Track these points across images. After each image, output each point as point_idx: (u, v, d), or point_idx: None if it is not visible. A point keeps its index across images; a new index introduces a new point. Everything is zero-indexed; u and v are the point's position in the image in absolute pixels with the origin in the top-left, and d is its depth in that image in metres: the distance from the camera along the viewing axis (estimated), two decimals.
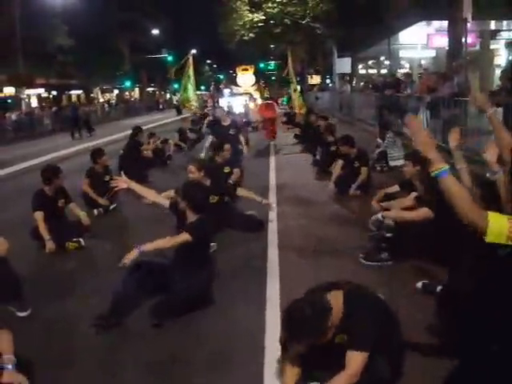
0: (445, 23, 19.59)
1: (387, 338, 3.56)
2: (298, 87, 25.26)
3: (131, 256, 5.02)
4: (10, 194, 12.61)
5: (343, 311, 3.56)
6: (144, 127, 16.67)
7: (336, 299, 3.58)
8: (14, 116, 35.25)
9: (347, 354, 3.42)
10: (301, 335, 3.43)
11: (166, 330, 5.01)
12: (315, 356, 3.69)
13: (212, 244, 6.96)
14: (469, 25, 15.88)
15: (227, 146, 10.09)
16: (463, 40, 15.28)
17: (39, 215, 7.66)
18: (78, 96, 61.92)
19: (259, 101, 38.09)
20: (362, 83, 36.25)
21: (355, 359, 3.39)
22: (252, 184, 11.42)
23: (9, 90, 42.94)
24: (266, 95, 48.54)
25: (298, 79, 59.37)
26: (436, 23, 24.32)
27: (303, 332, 3.40)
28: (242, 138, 12.68)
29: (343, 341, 3.59)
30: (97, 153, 10.50)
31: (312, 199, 10.33)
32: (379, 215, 6.56)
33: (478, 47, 23.30)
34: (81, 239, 7.85)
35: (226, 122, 12.64)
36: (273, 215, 8.99)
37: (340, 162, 10.53)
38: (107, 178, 10.30)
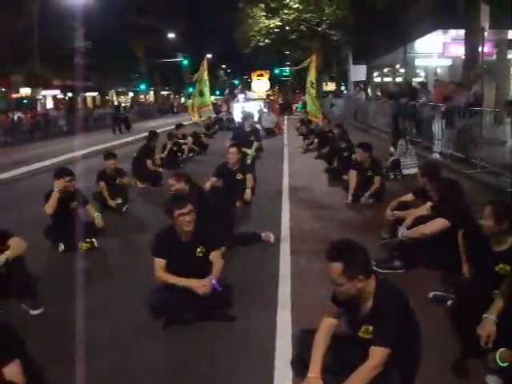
0: (461, 32, 19.52)
1: (407, 346, 3.54)
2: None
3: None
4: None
5: (373, 299, 3.59)
6: (158, 130, 16.77)
7: (370, 282, 3.61)
8: (16, 117, 35.12)
9: (370, 348, 3.43)
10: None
11: (177, 334, 5.02)
12: (340, 355, 3.80)
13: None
14: (486, 34, 15.81)
15: (232, 149, 10.02)
16: (480, 49, 15.20)
17: (48, 206, 7.69)
18: (94, 98, 62.29)
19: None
20: (377, 91, 36.18)
21: (377, 353, 3.40)
22: (265, 188, 11.47)
23: (25, 91, 43.27)
24: (280, 101, 48.60)
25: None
26: (452, 32, 24.23)
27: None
28: (254, 145, 12.62)
29: (368, 335, 3.60)
30: (109, 154, 10.65)
31: (325, 205, 10.33)
32: (399, 234, 6.52)
33: (494, 57, 23.18)
34: (94, 240, 7.89)
35: (248, 128, 12.65)
36: (286, 221, 9.03)
37: (354, 173, 10.39)
38: (118, 180, 10.44)
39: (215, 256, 5.45)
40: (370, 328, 3.59)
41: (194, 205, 5.38)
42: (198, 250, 5.38)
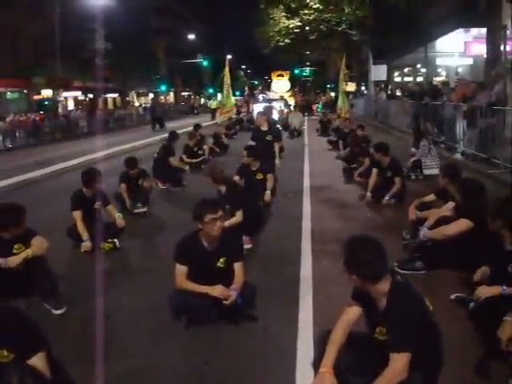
0: (483, 30, 19.32)
1: (426, 347, 3.50)
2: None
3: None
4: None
5: (387, 300, 3.56)
6: (179, 131, 16.85)
7: (385, 281, 3.59)
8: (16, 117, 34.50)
9: (390, 355, 3.39)
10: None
11: (198, 334, 5.04)
12: (356, 357, 3.80)
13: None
14: (508, 32, 15.64)
15: (244, 153, 10.11)
16: (502, 48, 15.02)
17: (77, 215, 7.79)
18: (114, 99, 62.70)
19: (292, 107, 38.32)
20: (397, 90, 35.96)
21: (397, 359, 3.36)
22: (287, 188, 11.49)
23: (47, 93, 43.66)
24: (299, 102, 48.53)
25: (333, 86, 59.38)
26: (474, 30, 24.00)
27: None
28: (276, 146, 12.48)
29: (383, 336, 3.59)
30: (131, 161, 10.63)
31: (346, 205, 10.31)
32: (421, 235, 6.48)
33: None
34: (116, 240, 7.95)
35: (265, 128, 12.57)
36: (307, 221, 9.03)
37: (375, 171, 10.48)
38: (140, 181, 10.48)
39: (239, 268, 5.28)
40: (384, 330, 3.59)
41: (224, 211, 5.33)
42: (221, 260, 5.24)
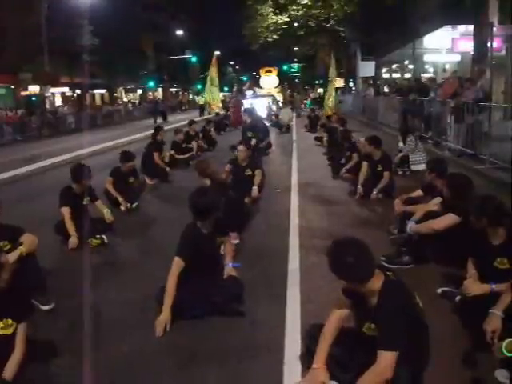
0: (470, 27, 19.42)
1: (415, 345, 3.52)
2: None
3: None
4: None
5: (378, 298, 3.55)
6: (166, 127, 16.82)
7: (376, 279, 3.58)
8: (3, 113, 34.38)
9: (378, 352, 3.40)
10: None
11: (186, 329, 5.03)
12: (344, 351, 3.82)
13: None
14: (495, 29, 15.74)
15: (241, 147, 10.08)
16: (489, 44, 15.11)
17: (66, 211, 7.76)
18: (102, 95, 62.42)
19: (280, 103, 38.34)
20: (385, 86, 36.07)
21: (385, 357, 3.36)
22: (275, 184, 11.52)
23: (34, 89, 43.33)
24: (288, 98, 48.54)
25: (321, 82, 59.43)
26: (461, 27, 24.09)
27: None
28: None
29: (371, 332, 3.61)
30: (127, 155, 10.57)
31: (334, 201, 10.33)
32: (408, 229, 6.51)
33: (503, 52, 23.04)
34: (104, 236, 7.93)
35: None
36: (295, 217, 9.05)
37: (365, 164, 10.49)
38: (131, 179, 10.42)
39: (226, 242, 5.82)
40: (373, 326, 3.60)
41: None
42: (218, 240, 5.53)
